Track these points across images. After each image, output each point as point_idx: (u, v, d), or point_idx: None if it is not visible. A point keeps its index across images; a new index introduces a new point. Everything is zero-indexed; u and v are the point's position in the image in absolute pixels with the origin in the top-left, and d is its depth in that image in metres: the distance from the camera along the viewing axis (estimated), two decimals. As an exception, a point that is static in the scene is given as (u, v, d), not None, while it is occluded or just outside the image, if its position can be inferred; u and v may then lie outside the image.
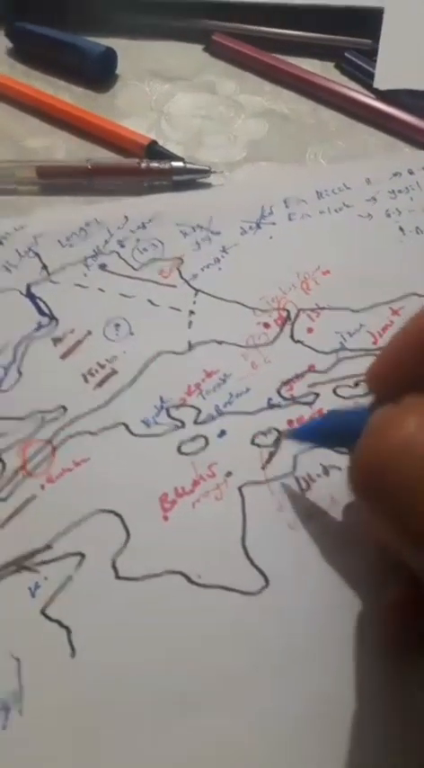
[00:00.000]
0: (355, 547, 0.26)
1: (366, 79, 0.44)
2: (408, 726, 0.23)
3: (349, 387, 0.31)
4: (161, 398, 0.31)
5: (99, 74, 0.46)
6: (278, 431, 0.29)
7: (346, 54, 0.45)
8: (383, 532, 0.19)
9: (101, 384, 0.31)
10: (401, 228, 0.36)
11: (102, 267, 0.36)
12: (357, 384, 0.31)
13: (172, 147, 0.41)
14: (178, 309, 0.34)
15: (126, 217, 0.38)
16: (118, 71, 0.47)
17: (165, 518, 0.27)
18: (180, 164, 0.39)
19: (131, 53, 0.48)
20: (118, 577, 0.26)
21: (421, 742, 0.22)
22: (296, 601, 0.25)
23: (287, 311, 0.33)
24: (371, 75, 0.43)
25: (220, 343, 0.33)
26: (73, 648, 0.24)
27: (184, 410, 0.30)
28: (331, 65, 0.46)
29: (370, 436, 0.19)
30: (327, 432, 0.25)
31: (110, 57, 0.46)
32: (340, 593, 0.25)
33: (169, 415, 0.30)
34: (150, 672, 0.24)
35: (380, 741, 0.23)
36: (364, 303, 0.33)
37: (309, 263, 0.35)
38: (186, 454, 0.29)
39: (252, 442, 0.29)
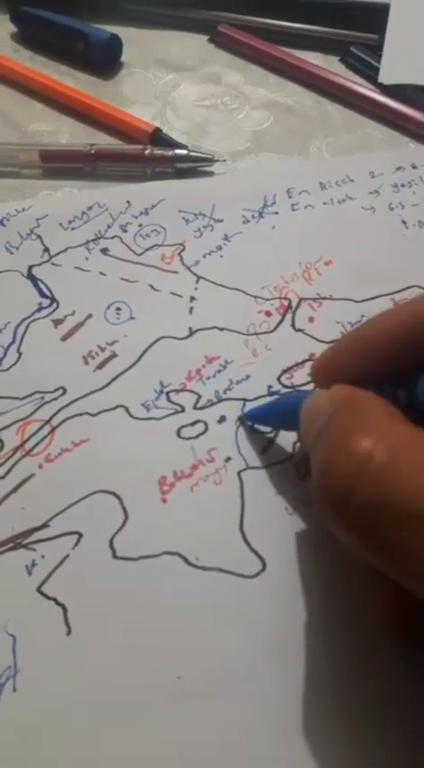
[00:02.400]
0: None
1: (370, 74, 0.44)
2: (407, 707, 0.23)
3: (350, 376, 0.31)
4: (161, 383, 0.31)
5: (104, 61, 0.46)
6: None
7: (351, 48, 0.45)
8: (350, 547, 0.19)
9: (101, 366, 0.31)
10: (403, 222, 0.36)
11: (104, 251, 0.36)
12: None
13: (175, 136, 0.41)
14: (179, 295, 0.34)
15: (128, 202, 0.37)
16: (123, 59, 0.47)
17: (164, 500, 0.27)
18: (183, 151, 0.39)
19: (136, 41, 0.48)
20: (115, 557, 0.26)
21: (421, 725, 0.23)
22: (293, 585, 0.25)
23: (289, 300, 0.33)
24: (376, 70, 0.44)
25: (221, 329, 0.32)
26: (69, 627, 0.24)
27: (184, 395, 0.30)
28: (335, 59, 0.46)
29: (325, 459, 0.19)
30: (272, 414, 0.28)
31: (115, 44, 0.46)
32: (337, 577, 0.25)
33: (169, 400, 0.30)
34: (146, 652, 0.24)
35: (379, 723, 0.23)
36: (365, 294, 0.33)
37: (311, 253, 0.35)
38: (185, 438, 0.29)
39: (251, 429, 0.29)
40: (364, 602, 0.24)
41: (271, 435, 0.29)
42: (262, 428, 0.29)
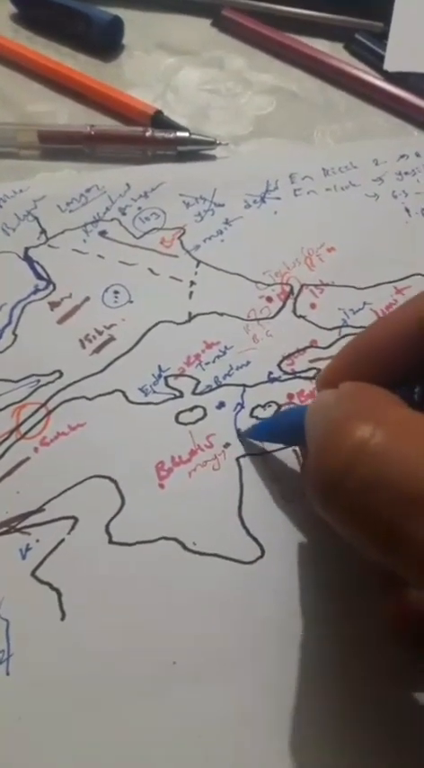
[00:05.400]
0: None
1: (375, 61, 0.43)
2: (403, 692, 0.23)
3: (351, 363, 0.30)
4: (159, 367, 0.30)
5: (105, 42, 0.45)
6: (277, 404, 0.29)
7: (356, 35, 0.45)
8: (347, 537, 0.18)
9: (98, 350, 0.31)
10: (407, 210, 0.36)
11: (102, 234, 0.35)
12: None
13: (177, 120, 0.40)
14: (179, 280, 0.33)
15: (128, 185, 0.37)
16: (124, 41, 0.46)
17: (161, 486, 0.27)
18: (185, 134, 0.38)
19: (138, 24, 0.47)
20: (111, 542, 0.25)
21: (417, 710, 0.22)
22: (291, 571, 0.25)
23: (291, 286, 0.33)
24: (380, 58, 0.43)
25: (221, 315, 0.32)
26: (63, 612, 0.24)
27: (183, 380, 0.30)
28: (340, 45, 0.45)
29: (323, 440, 0.18)
30: (277, 430, 0.26)
31: (117, 26, 0.45)
32: (335, 564, 0.25)
33: (167, 385, 0.30)
34: (141, 637, 0.24)
35: (376, 708, 0.22)
36: (368, 281, 0.33)
37: (314, 239, 0.34)
38: (184, 424, 0.29)
39: (251, 415, 0.29)
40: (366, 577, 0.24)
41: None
42: (264, 414, 0.29)
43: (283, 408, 0.29)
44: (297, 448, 0.27)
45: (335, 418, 0.18)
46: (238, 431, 0.28)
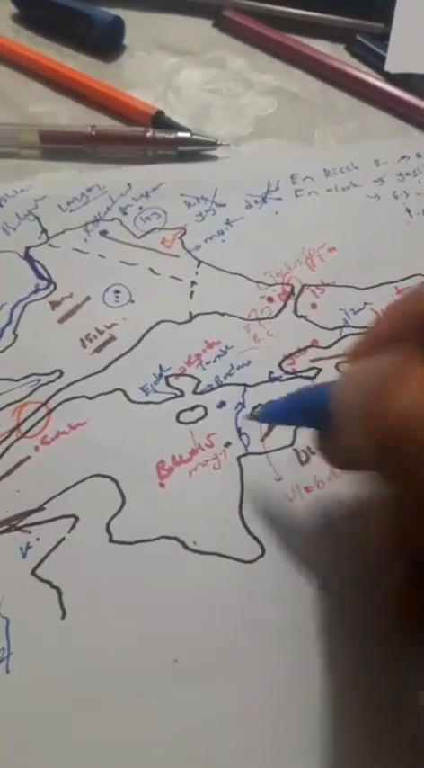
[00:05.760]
0: (352, 521, 0.26)
1: (376, 62, 0.43)
2: (402, 692, 0.22)
3: (352, 363, 0.30)
4: (160, 367, 0.30)
5: (106, 43, 0.45)
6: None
7: (357, 37, 0.45)
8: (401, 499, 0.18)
9: (99, 350, 0.31)
10: (408, 210, 0.36)
11: (103, 233, 0.35)
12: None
13: (177, 120, 0.41)
14: (180, 279, 0.33)
15: (129, 184, 0.37)
16: (125, 42, 0.46)
17: (162, 485, 0.27)
18: (186, 134, 0.38)
19: (139, 25, 0.47)
20: (112, 541, 0.25)
21: (414, 709, 0.22)
22: (291, 571, 0.25)
23: (292, 286, 0.33)
24: (382, 59, 0.43)
25: (222, 314, 0.32)
26: (63, 610, 0.24)
27: (183, 379, 0.30)
28: (341, 47, 0.45)
29: (381, 390, 0.18)
30: (292, 410, 0.24)
31: (118, 26, 0.45)
32: (335, 564, 0.25)
33: (168, 384, 0.30)
34: (141, 636, 0.23)
35: (377, 707, 0.22)
36: (369, 282, 0.33)
37: (315, 239, 0.34)
38: (185, 423, 0.29)
39: (252, 414, 0.29)
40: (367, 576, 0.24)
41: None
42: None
43: (291, 392, 0.26)
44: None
45: (389, 372, 0.18)
46: (246, 416, 0.28)
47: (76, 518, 0.26)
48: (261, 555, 0.25)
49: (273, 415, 0.26)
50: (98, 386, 0.30)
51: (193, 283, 0.33)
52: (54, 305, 0.32)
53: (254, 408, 0.28)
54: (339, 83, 0.43)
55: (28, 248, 0.34)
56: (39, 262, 0.34)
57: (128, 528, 0.26)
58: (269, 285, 0.33)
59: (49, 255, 0.34)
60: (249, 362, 0.30)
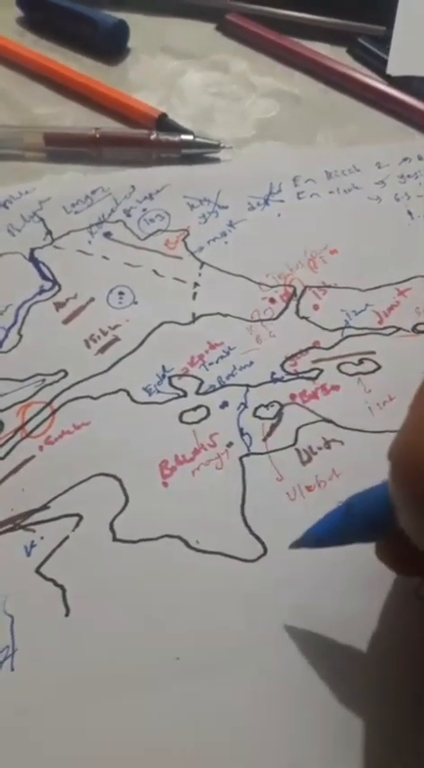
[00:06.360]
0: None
1: (378, 65, 0.44)
2: (408, 684, 0.23)
3: (353, 364, 0.30)
4: (163, 367, 0.30)
5: (110, 46, 0.46)
6: (280, 404, 0.29)
7: (358, 39, 0.45)
8: None
9: (103, 350, 0.31)
10: (409, 212, 0.36)
11: (107, 235, 0.35)
12: (361, 361, 0.30)
13: (181, 123, 0.41)
14: (183, 281, 0.34)
15: (133, 186, 0.37)
16: (129, 45, 0.46)
17: (165, 484, 0.27)
18: (189, 137, 0.39)
19: (143, 28, 0.47)
20: (115, 539, 0.26)
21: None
22: (294, 570, 0.25)
23: (294, 287, 0.33)
24: (383, 62, 0.43)
25: (225, 316, 0.32)
26: (67, 608, 0.24)
27: (186, 380, 0.30)
28: (343, 50, 0.46)
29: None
30: (348, 531, 0.21)
31: (122, 29, 0.46)
32: (338, 563, 0.25)
33: (171, 384, 0.30)
34: (144, 634, 0.24)
35: (380, 706, 0.22)
36: (370, 283, 0.33)
37: (317, 241, 0.35)
38: (187, 423, 0.29)
39: (254, 414, 0.29)
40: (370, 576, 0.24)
41: (274, 422, 0.29)
42: (267, 414, 0.29)
43: (338, 505, 0.22)
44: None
45: None
46: (290, 545, 0.23)
47: (80, 517, 0.26)
48: (263, 554, 0.25)
49: (323, 538, 0.22)
50: (102, 386, 0.30)
51: (196, 285, 0.33)
52: (58, 306, 0.33)
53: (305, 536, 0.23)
54: (341, 86, 0.43)
55: (33, 250, 0.35)
56: (43, 263, 0.34)
57: (131, 527, 0.26)
58: (272, 287, 0.33)
59: (54, 257, 0.34)
60: (251, 363, 0.31)
